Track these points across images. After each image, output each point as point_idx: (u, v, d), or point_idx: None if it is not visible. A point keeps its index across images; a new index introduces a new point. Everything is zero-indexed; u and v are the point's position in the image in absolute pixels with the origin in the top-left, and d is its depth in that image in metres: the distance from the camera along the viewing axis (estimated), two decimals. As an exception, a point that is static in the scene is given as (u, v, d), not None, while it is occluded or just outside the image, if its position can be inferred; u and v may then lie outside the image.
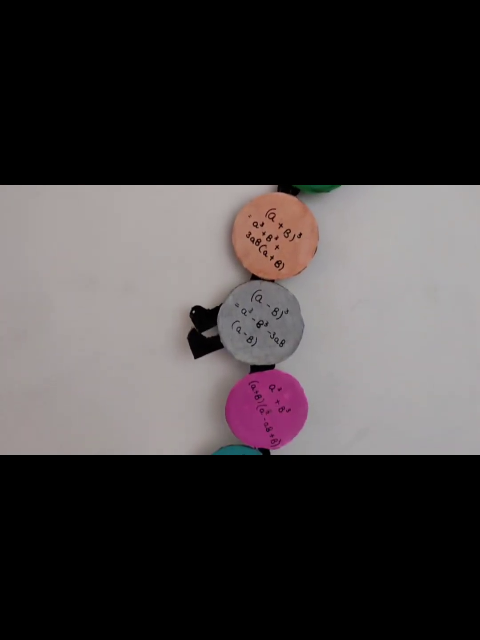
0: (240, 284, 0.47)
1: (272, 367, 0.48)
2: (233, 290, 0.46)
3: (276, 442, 0.48)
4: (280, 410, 0.48)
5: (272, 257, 0.46)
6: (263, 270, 0.46)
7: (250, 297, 0.46)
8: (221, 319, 0.47)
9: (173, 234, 0.47)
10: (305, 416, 0.48)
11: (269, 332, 0.47)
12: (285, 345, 0.47)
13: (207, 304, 0.48)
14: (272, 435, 0.48)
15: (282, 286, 0.47)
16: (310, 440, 0.51)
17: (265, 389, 0.48)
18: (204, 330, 0.47)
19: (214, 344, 0.47)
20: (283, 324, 0.47)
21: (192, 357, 0.47)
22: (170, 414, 0.50)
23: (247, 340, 0.47)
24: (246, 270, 0.47)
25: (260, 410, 0.48)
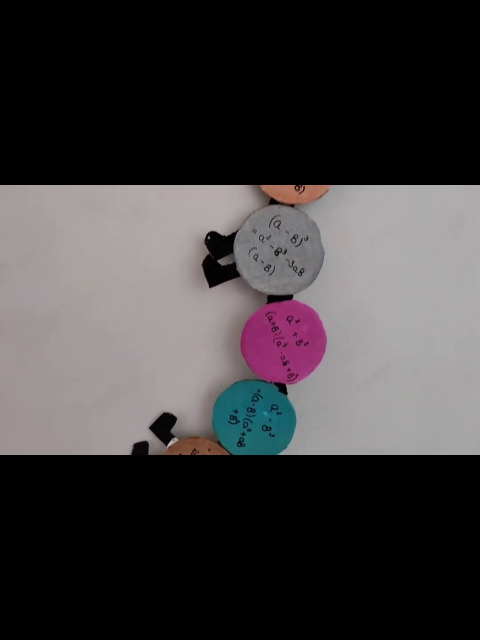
0: (258, 209, 0.44)
1: (290, 297, 0.46)
2: (250, 215, 0.44)
3: (293, 377, 0.47)
4: (298, 343, 0.46)
5: (292, 180, 0.43)
6: (282, 193, 0.43)
7: (268, 222, 0.44)
8: (238, 246, 0.44)
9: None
10: (323, 350, 0.46)
11: (288, 260, 0.44)
12: (304, 274, 0.45)
13: (223, 230, 0.45)
14: (288, 370, 0.46)
15: (302, 211, 0.44)
16: (326, 377, 0.49)
17: (282, 321, 0.45)
18: (219, 257, 0.45)
19: (230, 273, 0.45)
20: (302, 252, 0.44)
21: (207, 285, 0.45)
22: (183, 346, 0.49)
23: (264, 269, 0.44)
24: (264, 194, 0.44)
25: (276, 343, 0.46)
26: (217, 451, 0.48)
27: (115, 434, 0.51)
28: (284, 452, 0.47)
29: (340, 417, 0.50)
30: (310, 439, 0.50)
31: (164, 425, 0.50)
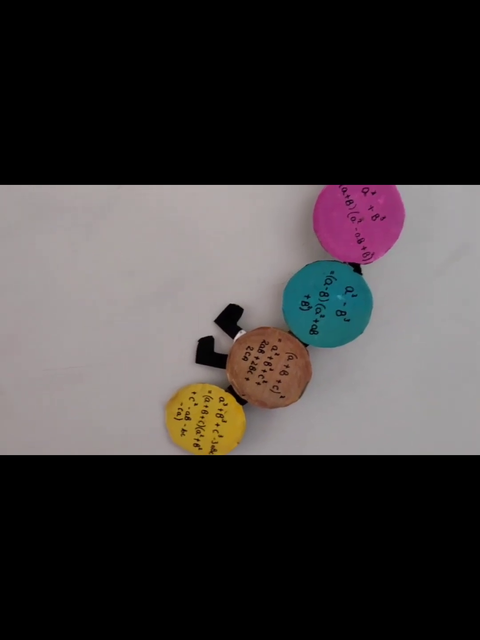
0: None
1: (366, 166, 0.42)
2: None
3: (368, 256, 0.44)
4: (374, 217, 0.43)
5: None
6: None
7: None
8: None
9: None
10: (401, 225, 0.43)
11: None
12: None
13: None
14: (364, 248, 0.43)
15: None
16: (402, 259, 0.46)
17: (357, 193, 0.42)
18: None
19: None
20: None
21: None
22: (248, 231, 0.46)
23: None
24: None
25: (351, 218, 0.43)
26: (287, 341, 0.46)
27: (178, 330, 0.48)
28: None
29: (418, 304, 0.47)
30: (386, 328, 0.47)
31: (230, 317, 0.47)
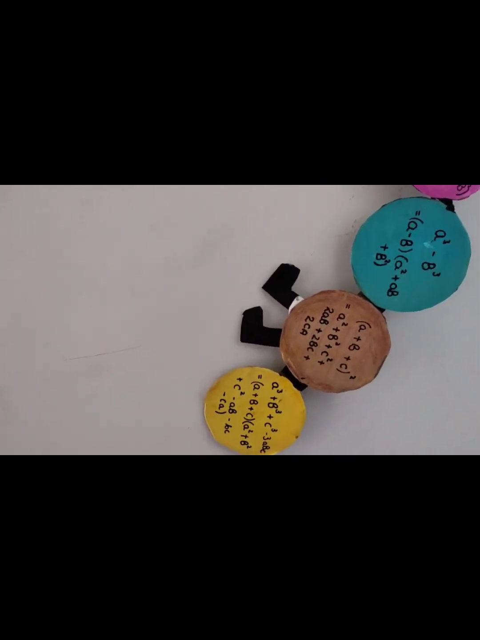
0: None
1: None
2: None
3: (464, 188, 0.34)
4: (473, 135, 0.33)
5: None
6: None
7: None
8: None
9: None
10: (507, 145, 0.33)
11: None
12: None
13: None
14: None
15: None
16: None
17: (451, 104, 0.32)
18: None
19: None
20: None
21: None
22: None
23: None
24: None
25: (443, 138, 0.33)
26: (358, 307, 0.36)
27: (216, 300, 0.39)
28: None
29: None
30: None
31: (282, 281, 0.38)
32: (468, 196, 0.34)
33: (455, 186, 0.34)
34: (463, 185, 0.34)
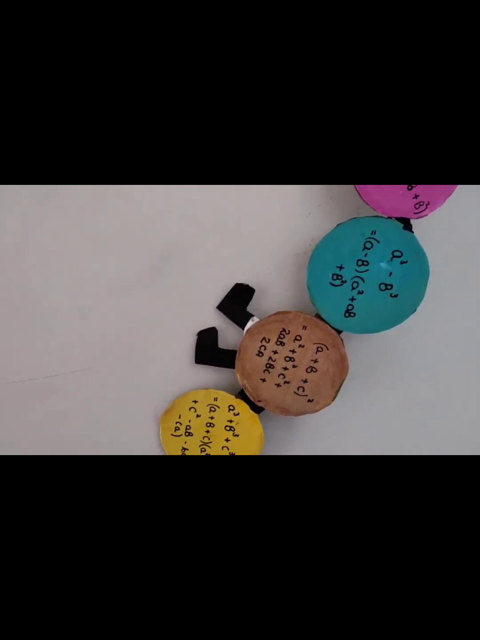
0: None
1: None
2: None
3: (422, 207, 0.33)
4: (429, 153, 0.31)
5: None
6: None
7: None
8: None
9: None
10: (465, 163, 0.32)
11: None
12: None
13: None
14: (416, 196, 0.33)
15: None
16: (463, 209, 0.35)
17: (406, 120, 0.31)
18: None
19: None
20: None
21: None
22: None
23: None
24: None
25: (398, 155, 0.32)
26: (315, 328, 0.35)
27: (170, 321, 0.37)
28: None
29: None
30: (442, 298, 0.36)
31: (237, 301, 0.36)
32: (426, 215, 0.33)
33: (412, 205, 0.32)
34: (421, 204, 0.32)
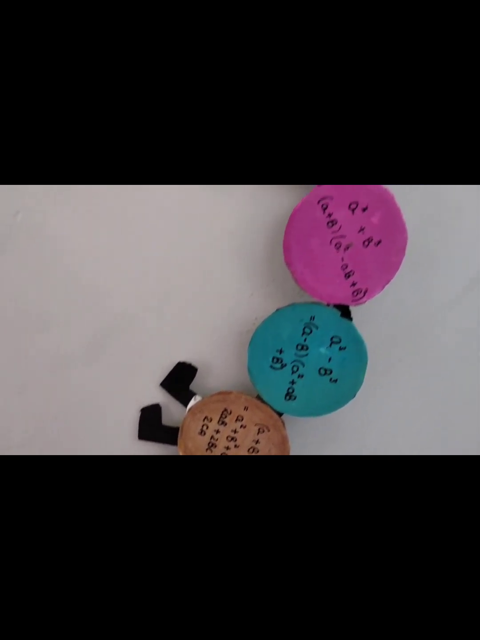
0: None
1: (352, 173, 0.31)
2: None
3: (360, 295, 0.32)
4: (366, 242, 0.32)
5: None
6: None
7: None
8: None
9: None
10: (403, 251, 0.32)
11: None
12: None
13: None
14: (353, 284, 0.32)
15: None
16: (405, 293, 0.35)
17: (343, 211, 0.31)
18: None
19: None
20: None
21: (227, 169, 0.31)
22: (195, 262, 0.35)
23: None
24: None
25: (335, 244, 0.32)
26: (256, 410, 0.35)
27: (112, 397, 0.37)
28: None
29: (424, 349, 0.36)
30: (384, 382, 0.36)
31: (180, 379, 0.36)
32: (364, 302, 0.33)
33: (350, 292, 0.32)
34: (359, 292, 0.32)
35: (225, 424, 0.35)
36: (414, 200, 0.34)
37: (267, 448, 0.35)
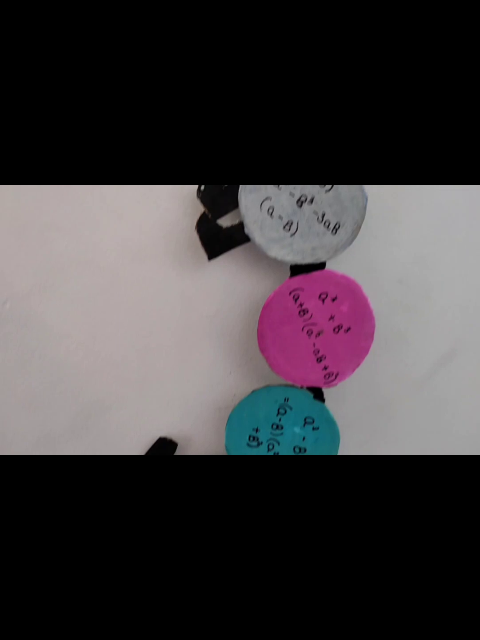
0: (269, 144, 0.31)
1: (322, 266, 0.33)
2: (259, 153, 0.31)
3: (331, 378, 0.34)
4: (336, 329, 0.33)
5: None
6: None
7: (285, 162, 0.31)
8: (245, 196, 0.31)
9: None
10: (371, 337, 0.34)
11: (316, 213, 0.32)
12: (340, 231, 0.32)
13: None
14: (325, 368, 0.34)
15: (331, 144, 0.31)
16: (377, 372, 0.37)
17: (313, 300, 0.33)
18: (219, 216, 0.32)
19: (236, 236, 0.32)
20: (337, 200, 0.31)
21: (205, 257, 0.32)
22: (177, 345, 0.36)
23: (284, 227, 0.32)
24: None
25: (307, 331, 0.33)
26: (234, 485, 0.36)
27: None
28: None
29: (392, 425, 0.38)
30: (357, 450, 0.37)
31: (160, 454, 0.37)
32: (336, 384, 0.34)
33: (322, 376, 0.34)
34: (330, 375, 0.34)
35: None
36: (383, 286, 0.35)
37: (244, 522, 0.36)
